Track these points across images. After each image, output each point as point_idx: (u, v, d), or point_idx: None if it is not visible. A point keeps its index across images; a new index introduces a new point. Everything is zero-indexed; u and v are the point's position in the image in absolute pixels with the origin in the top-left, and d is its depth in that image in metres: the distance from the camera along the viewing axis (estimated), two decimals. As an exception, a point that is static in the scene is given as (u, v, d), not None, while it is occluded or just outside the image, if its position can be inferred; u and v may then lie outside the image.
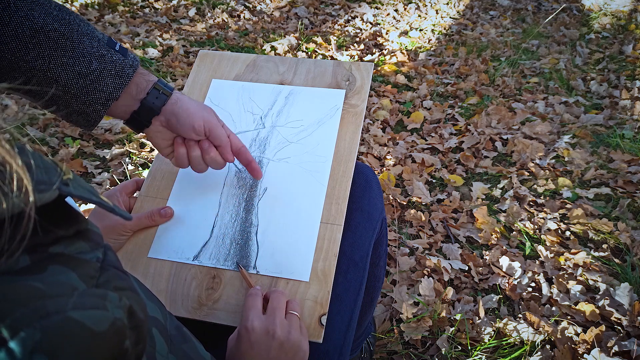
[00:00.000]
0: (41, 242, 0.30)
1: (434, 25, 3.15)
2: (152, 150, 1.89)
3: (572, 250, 1.45)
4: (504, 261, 1.43)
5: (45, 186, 0.29)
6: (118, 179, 1.72)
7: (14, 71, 0.60)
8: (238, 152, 0.72)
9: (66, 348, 0.26)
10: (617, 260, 1.42)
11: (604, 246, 1.47)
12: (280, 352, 0.58)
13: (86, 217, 0.35)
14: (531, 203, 1.65)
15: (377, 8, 3.43)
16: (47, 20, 0.59)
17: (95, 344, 0.27)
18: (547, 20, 3.08)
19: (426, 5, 3.46)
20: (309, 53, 2.74)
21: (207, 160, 0.70)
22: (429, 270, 1.40)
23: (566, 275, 1.37)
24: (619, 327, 1.22)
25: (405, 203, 1.67)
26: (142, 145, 1.91)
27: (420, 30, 3.08)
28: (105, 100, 0.64)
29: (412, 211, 1.62)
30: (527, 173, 1.79)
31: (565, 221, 1.57)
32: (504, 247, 1.48)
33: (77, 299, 0.28)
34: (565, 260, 1.42)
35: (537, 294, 1.33)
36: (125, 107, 0.67)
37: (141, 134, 1.94)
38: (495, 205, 1.66)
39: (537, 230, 1.54)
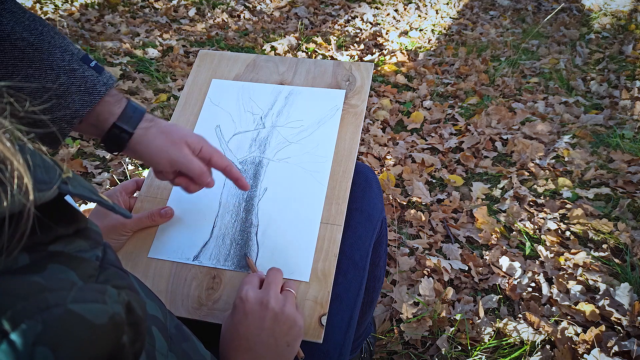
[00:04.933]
0: (41, 240, 0.30)
1: (434, 25, 3.15)
2: (152, 150, 1.88)
3: (572, 250, 1.45)
4: (504, 261, 1.43)
5: (46, 185, 0.29)
6: (118, 179, 1.72)
7: None
8: (224, 171, 0.69)
9: (67, 340, 0.26)
10: (617, 260, 1.42)
11: (604, 246, 1.47)
12: (274, 323, 0.58)
13: (86, 216, 0.35)
14: (531, 203, 1.65)
15: (377, 8, 3.43)
16: (15, 29, 0.56)
17: (95, 337, 0.28)
18: (547, 20, 3.08)
19: (426, 5, 3.46)
20: (309, 53, 2.74)
21: (191, 189, 0.69)
22: (429, 270, 1.40)
23: (566, 275, 1.37)
24: (619, 327, 1.22)
25: (405, 203, 1.67)
26: (142, 145, 1.91)
27: (420, 30, 3.08)
28: (71, 117, 0.59)
29: (412, 211, 1.62)
30: (527, 173, 1.79)
31: (565, 221, 1.57)
32: (504, 247, 1.48)
33: (77, 292, 0.28)
34: (565, 260, 1.42)
35: (537, 294, 1.33)
36: (94, 128, 0.62)
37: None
38: (495, 205, 1.66)
39: (537, 230, 1.54)
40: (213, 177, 0.69)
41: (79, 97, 0.59)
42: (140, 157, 0.65)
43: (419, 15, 3.31)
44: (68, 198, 0.32)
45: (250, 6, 3.37)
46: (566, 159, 1.84)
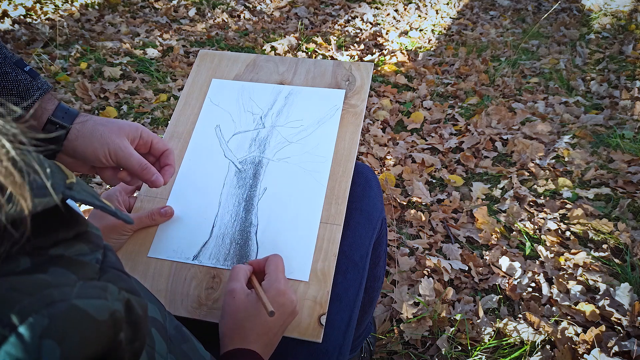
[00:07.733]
0: (41, 244, 0.30)
1: (434, 25, 3.15)
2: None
3: (572, 251, 1.45)
4: (504, 261, 1.43)
5: (49, 190, 0.29)
6: (118, 179, 1.72)
7: None
8: (163, 156, 0.69)
9: (72, 335, 0.27)
10: (617, 260, 1.42)
11: (604, 246, 1.47)
12: (292, 314, 0.62)
13: (86, 218, 0.35)
14: (531, 203, 1.65)
15: (377, 8, 3.43)
16: None
17: (97, 332, 0.28)
18: (547, 20, 3.08)
19: (426, 5, 3.46)
20: (309, 53, 2.74)
21: (132, 183, 0.68)
22: (429, 270, 1.40)
23: (566, 276, 1.37)
24: (619, 327, 1.22)
25: (405, 203, 1.67)
26: (142, 145, 1.91)
27: (420, 30, 3.08)
28: None
29: (412, 211, 1.62)
30: (527, 173, 1.79)
31: (565, 221, 1.57)
32: (504, 247, 1.48)
33: (80, 289, 0.29)
34: (565, 261, 1.42)
35: (537, 294, 1.33)
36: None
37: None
38: (495, 205, 1.66)
39: (537, 231, 1.54)
40: (160, 177, 0.67)
41: (11, 101, 0.57)
42: (79, 154, 0.62)
43: (419, 15, 3.31)
44: (69, 201, 0.33)
45: (250, 6, 3.37)
46: (566, 159, 1.84)
